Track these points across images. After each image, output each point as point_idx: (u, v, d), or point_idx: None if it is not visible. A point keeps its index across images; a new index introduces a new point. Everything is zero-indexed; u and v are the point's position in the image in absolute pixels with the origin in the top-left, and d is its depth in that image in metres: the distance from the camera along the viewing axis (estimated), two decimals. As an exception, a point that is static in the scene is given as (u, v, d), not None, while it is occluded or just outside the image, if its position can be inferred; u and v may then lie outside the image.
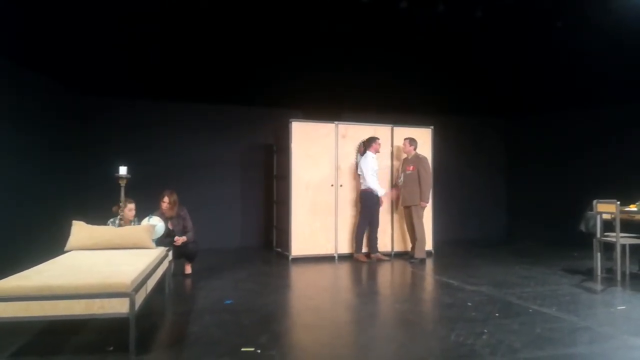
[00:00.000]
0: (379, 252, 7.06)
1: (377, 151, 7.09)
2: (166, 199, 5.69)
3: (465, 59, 7.17)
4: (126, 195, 5.32)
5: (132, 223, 5.33)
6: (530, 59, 7.21)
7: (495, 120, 9.94)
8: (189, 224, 5.81)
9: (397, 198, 7.29)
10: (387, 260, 6.95)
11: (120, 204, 5.14)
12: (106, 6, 5.16)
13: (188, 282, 5.51)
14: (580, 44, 6.43)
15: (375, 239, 7.06)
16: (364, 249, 7.09)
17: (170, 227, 5.70)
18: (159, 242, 5.17)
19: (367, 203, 6.99)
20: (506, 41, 6.59)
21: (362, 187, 7.03)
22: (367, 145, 7.09)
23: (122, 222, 5.16)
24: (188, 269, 5.87)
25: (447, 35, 6.44)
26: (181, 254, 5.65)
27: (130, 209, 5.27)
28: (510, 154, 10.05)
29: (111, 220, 5.24)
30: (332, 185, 7.24)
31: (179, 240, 5.58)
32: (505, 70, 7.62)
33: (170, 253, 4.93)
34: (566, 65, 7.23)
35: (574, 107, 8.66)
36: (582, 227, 5.85)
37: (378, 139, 7.13)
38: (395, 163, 7.52)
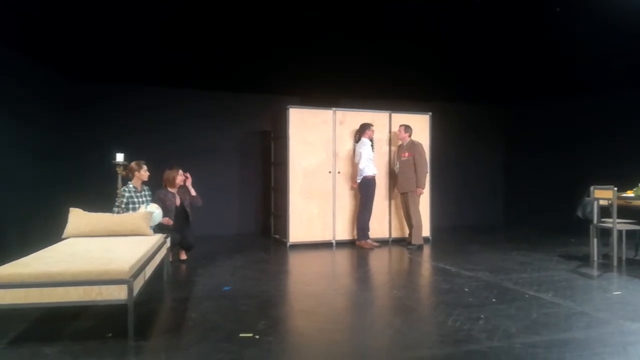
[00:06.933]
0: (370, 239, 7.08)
1: (370, 137, 7.06)
2: (181, 172, 5.89)
3: (463, 45, 7.10)
4: (123, 181, 5.32)
5: (144, 188, 5.44)
6: (528, 45, 7.14)
7: (492, 107, 9.92)
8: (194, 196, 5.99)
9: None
10: (378, 246, 6.97)
11: (132, 164, 5.36)
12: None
13: (186, 268, 5.52)
14: (579, 31, 6.37)
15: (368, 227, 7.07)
16: (355, 235, 7.13)
17: (177, 203, 5.77)
18: (156, 228, 5.19)
19: (365, 191, 6.98)
20: (505, 28, 6.54)
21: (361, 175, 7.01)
22: (361, 131, 7.06)
23: (135, 190, 5.34)
24: (183, 255, 5.90)
25: (446, 22, 6.38)
26: (176, 242, 5.60)
27: (145, 169, 5.45)
28: (508, 140, 10.05)
29: (124, 188, 5.31)
30: (329, 172, 7.23)
31: (169, 221, 5.61)
32: (504, 57, 7.56)
33: (169, 240, 4.93)
34: (564, 53, 7.17)
35: (572, 95, 8.63)
36: (579, 213, 5.86)
37: (371, 125, 7.09)
38: (393, 149, 7.51)
